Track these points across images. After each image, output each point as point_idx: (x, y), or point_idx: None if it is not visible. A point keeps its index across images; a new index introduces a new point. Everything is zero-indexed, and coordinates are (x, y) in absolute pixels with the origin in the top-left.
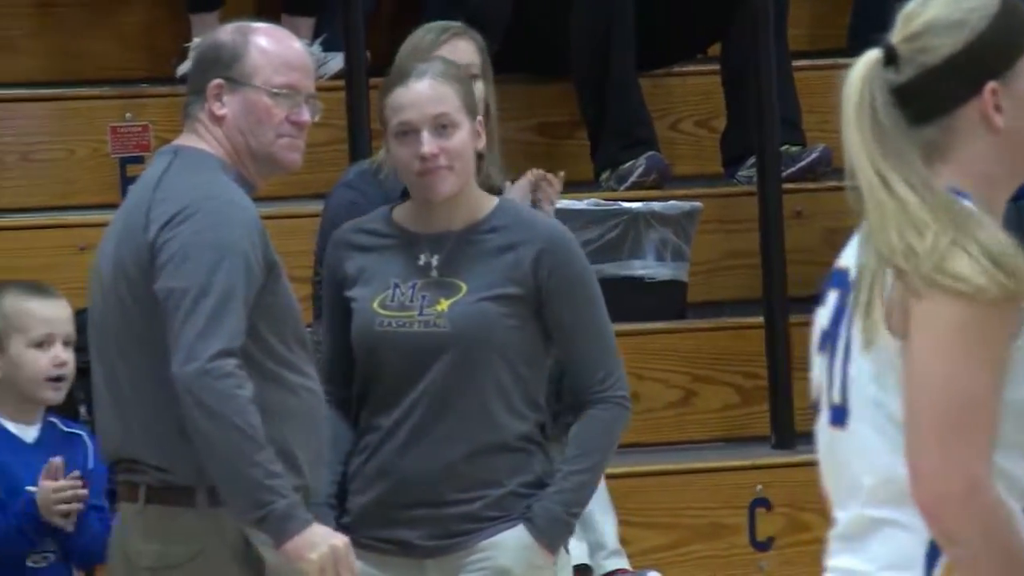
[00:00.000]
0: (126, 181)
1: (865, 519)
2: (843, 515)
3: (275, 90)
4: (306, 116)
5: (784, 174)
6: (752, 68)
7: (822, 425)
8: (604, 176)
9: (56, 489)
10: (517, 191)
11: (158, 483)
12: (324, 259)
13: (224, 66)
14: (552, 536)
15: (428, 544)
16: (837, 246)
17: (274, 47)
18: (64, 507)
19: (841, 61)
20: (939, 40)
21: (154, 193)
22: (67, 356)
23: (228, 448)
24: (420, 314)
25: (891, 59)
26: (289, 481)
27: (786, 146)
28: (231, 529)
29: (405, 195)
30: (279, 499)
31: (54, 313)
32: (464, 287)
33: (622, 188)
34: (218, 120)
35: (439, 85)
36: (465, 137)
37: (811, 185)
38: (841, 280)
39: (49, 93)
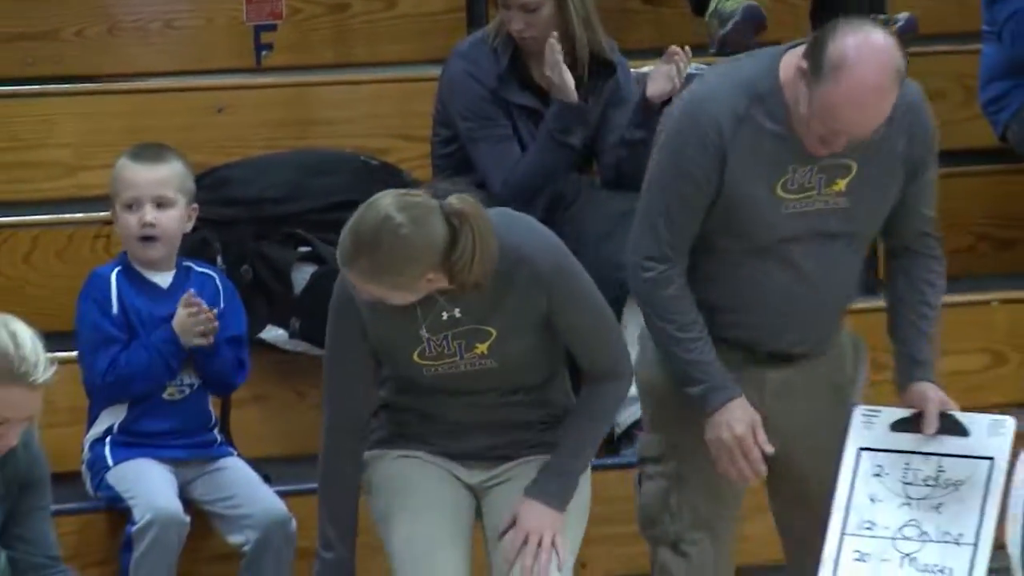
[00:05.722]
0: (260, 47)
1: None
2: None
3: None
4: None
5: None
6: None
7: None
8: (708, 13)
9: (191, 314)
10: (660, 77)
11: None
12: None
13: None
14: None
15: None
16: None
17: None
18: (201, 328)
19: None
20: None
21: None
22: (154, 216)
23: None
24: (460, 357)
25: None
26: None
27: None
28: None
29: (512, 66)
30: None
31: (140, 176)
32: (493, 332)
33: (724, 30)
34: None
35: None
36: None
37: None
38: None
39: None
